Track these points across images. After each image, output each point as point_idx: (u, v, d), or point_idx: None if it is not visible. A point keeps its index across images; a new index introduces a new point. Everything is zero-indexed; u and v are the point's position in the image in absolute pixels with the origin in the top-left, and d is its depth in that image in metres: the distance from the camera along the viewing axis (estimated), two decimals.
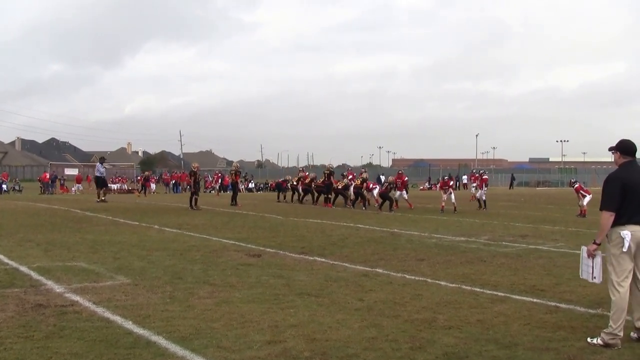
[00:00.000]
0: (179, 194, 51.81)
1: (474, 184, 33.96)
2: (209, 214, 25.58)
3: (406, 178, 33.10)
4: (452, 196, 28.87)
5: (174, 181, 58.28)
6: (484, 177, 33.66)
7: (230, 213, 26.66)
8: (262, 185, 64.77)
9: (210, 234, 17.24)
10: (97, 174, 35.19)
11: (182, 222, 21.28)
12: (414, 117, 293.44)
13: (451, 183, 30.73)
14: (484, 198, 31.71)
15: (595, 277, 7.08)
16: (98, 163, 36.28)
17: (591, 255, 7.02)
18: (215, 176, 59.90)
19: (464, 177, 73.16)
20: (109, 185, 56.74)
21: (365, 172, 35.49)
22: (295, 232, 18.46)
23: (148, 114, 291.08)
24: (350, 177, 35.66)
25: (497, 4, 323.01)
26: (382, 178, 41.47)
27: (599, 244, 6.93)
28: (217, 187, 54.57)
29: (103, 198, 33.89)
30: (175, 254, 13.13)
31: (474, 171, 40.35)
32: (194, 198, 28.69)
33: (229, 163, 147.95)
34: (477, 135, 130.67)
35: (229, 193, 39.68)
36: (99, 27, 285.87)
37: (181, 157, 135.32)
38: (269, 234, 17.77)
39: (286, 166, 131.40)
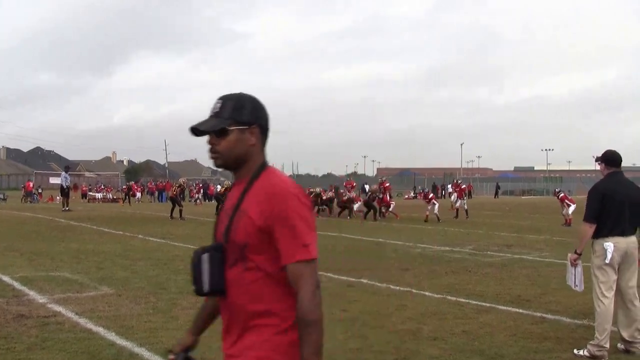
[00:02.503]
0: (164, 203, 51.58)
1: (455, 193, 34.03)
2: (193, 224, 25.46)
3: (388, 184, 33.17)
4: (436, 207, 28.87)
5: (158, 190, 58.13)
6: (462, 186, 33.86)
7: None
8: None
9: (194, 244, 17.02)
10: (67, 183, 34.75)
11: (166, 231, 21.17)
12: (400, 125, 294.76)
13: (431, 195, 30.61)
14: (465, 207, 31.76)
15: (577, 285, 7.09)
16: (63, 172, 35.84)
17: (573, 264, 7.04)
18: (197, 186, 59.51)
19: (449, 186, 73.30)
20: (92, 193, 56.87)
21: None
22: None
23: (136, 123, 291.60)
24: (350, 186, 36.32)
25: (489, 11, 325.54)
26: (367, 187, 41.61)
27: (579, 254, 6.93)
28: (200, 197, 54.31)
29: (67, 207, 33.58)
30: (159, 264, 13.04)
31: (456, 181, 40.34)
32: (178, 209, 28.60)
33: (214, 172, 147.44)
34: (462, 144, 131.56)
35: (214, 202, 39.59)
36: (90, 37, 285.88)
37: (166, 166, 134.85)
38: None
39: None
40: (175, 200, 29.27)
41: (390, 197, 33.01)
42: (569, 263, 7.11)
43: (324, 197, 33.08)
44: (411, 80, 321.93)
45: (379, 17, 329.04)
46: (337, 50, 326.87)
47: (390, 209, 31.06)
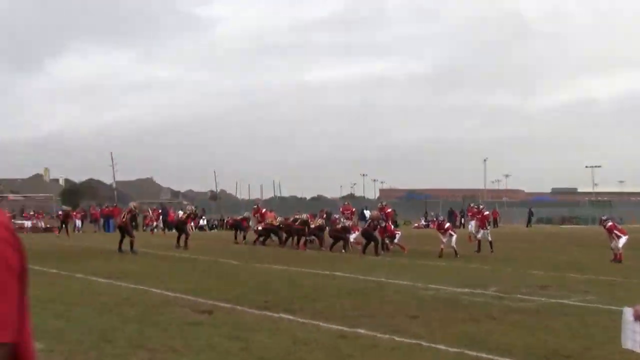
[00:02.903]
0: (111, 233, 51.44)
1: (472, 221, 33.87)
2: (148, 259, 25.43)
3: (390, 209, 33.17)
4: (453, 239, 28.77)
5: (103, 217, 57.99)
6: (485, 213, 33.55)
7: (176, 257, 26.53)
8: (216, 223, 64.60)
9: (148, 284, 17.09)
10: None
11: (113, 268, 21.10)
12: (407, 137, 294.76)
13: (447, 225, 30.39)
14: (489, 239, 31.64)
15: None
16: None
17: (639, 318, 6.87)
18: (154, 212, 59.25)
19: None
20: (19, 221, 56.67)
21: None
22: (257, 281, 18.37)
23: (74, 131, 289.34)
24: (349, 212, 36.48)
25: None
26: (367, 213, 41.58)
27: None
28: (160, 225, 54.18)
29: None
30: (104, 310, 12.99)
31: (477, 206, 39.92)
32: (129, 240, 28.62)
33: (175, 194, 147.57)
34: (485, 160, 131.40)
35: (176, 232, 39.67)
36: (11, 22, 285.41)
37: (114, 186, 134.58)
38: (224, 284, 17.71)
39: (247, 198, 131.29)
40: (125, 230, 29.29)
41: (396, 225, 33.03)
42: (629, 319, 6.94)
43: (313, 225, 33.04)
44: (419, 81, 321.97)
45: (377, 2, 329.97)
46: (325, 42, 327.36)
47: (396, 241, 31.05)
